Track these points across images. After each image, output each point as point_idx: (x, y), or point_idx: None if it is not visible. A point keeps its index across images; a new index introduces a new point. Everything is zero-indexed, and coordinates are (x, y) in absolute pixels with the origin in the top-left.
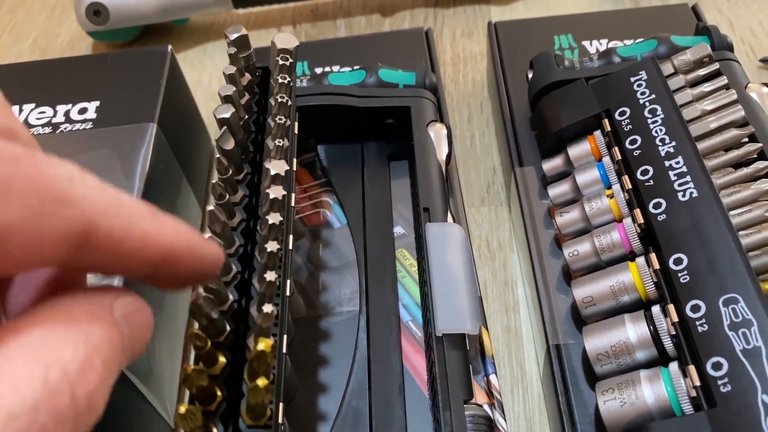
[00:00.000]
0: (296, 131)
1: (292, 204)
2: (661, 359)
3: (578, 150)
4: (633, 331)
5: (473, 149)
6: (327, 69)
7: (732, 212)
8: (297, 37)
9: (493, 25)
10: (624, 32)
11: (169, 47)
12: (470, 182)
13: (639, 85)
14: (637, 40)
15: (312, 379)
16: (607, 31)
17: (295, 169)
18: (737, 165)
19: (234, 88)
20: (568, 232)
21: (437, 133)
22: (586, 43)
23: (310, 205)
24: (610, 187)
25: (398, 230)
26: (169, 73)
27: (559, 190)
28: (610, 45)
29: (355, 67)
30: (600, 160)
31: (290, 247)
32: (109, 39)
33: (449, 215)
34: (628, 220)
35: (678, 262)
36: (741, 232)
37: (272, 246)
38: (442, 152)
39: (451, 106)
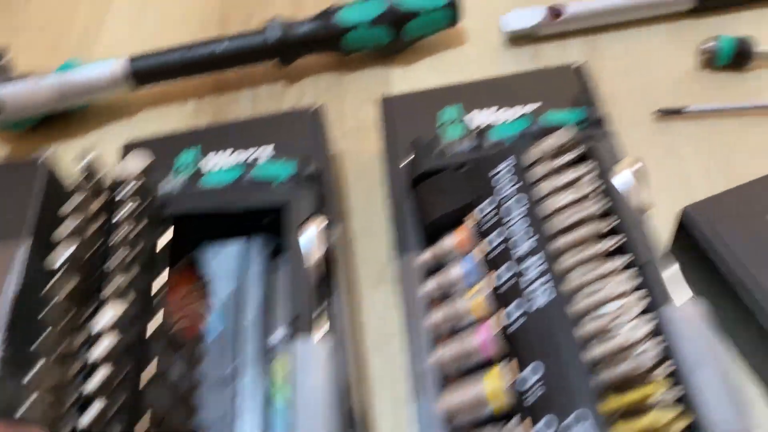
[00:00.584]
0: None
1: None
2: None
3: (449, 243)
4: None
5: (370, 225)
6: (213, 162)
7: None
8: (200, 114)
9: (383, 101)
10: (515, 98)
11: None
12: (367, 261)
13: (502, 176)
14: (513, 118)
15: None
16: (498, 98)
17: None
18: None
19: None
20: (435, 335)
21: (314, 231)
22: (474, 113)
23: (188, 313)
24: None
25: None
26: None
27: (429, 288)
28: (493, 119)
29: (228, 154)
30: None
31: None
32: (7, 129)
33: (323, 322)
34: (487, 325)
35: (528, 377)
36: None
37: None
38: (320, 249)
39: (351, 178)
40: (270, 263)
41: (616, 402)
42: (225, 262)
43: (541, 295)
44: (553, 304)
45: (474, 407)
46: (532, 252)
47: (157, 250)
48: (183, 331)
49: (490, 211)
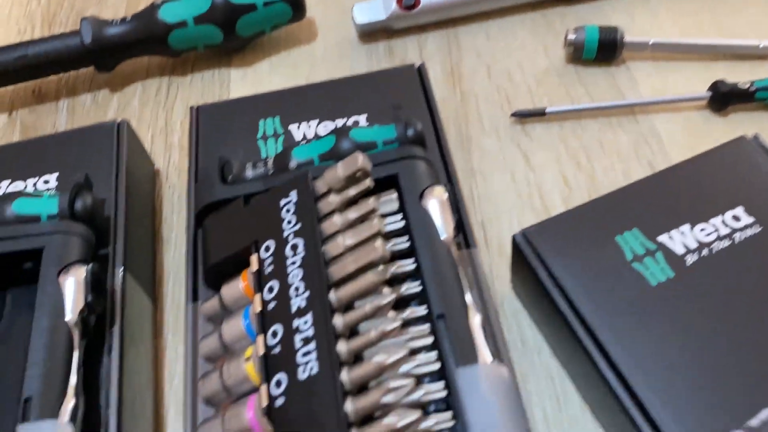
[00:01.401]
0: None
1: None
2: None
3: (231, 290)
4: None
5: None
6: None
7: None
8: (11, 127)
9: (194, 110)
10: (339, 108)
11: None
12: (179, 303)
13: (287, 211)
14: (324, 133)
15: None
16: (319, 108)
17: None
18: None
19: None
20: (214, 402)
21: (77, 278)
22: (293, 127)
23: None
24: None
25: None
26: None
27: (208, 345)
28: (310, 133)
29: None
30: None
31: None
32: None
33: (69, 399)
34: (256, 400)
35: None
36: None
37: None
38: (78, 305)
39: (171, 202)
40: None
41: None
42: None
43: (310, 363)
44: (319, 375)
45: None
46: (306, 308)
47: None
48: None
49: (271, 253)
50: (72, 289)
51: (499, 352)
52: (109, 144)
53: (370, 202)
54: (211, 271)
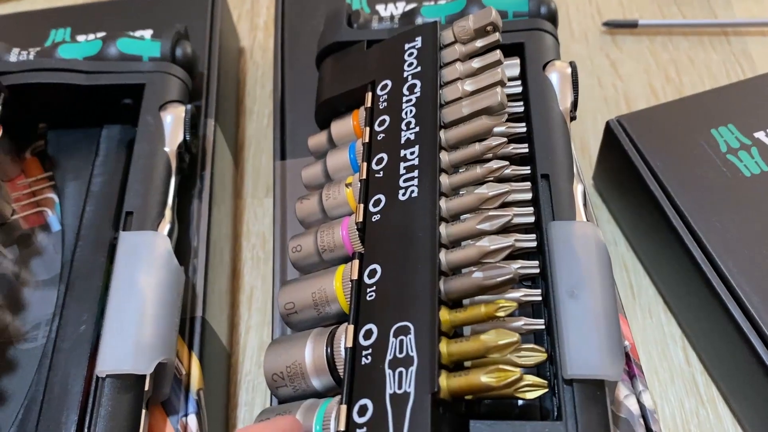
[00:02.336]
0: None
1: None
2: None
3: (341, 127)
4: (310, 352)
5: (269, 130)
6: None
7: (450, 220)
8: None
9: None
10: None
11: None
12: (259, 169)
13: (410, 54)
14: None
15: None
16: None
17: None
18: (482, 160)
19: None
20: (308, 224)
21: (176, 116)
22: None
23: (32, 203)
24: None
25: None
26: None
27: (310, 173)
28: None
29: (97, 36)
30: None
31: None
32: None
33: (167, 217)
34: (352, 218)
35: (372, 274)
36: (447, 253)
37: None
38: (175, 139)
39: (254, 78)
40: (124, 154)
41: (454, 316)
42: (75, 151)
43: (411, 187)
44: (419, 198)
45: (317, 303)
46: (414, 141)
47: None
48: (23, 220)
49: (387, 92)
50: (171, 124)
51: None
52: (204, 9)
53: (497, 53)
54: (323, 106)
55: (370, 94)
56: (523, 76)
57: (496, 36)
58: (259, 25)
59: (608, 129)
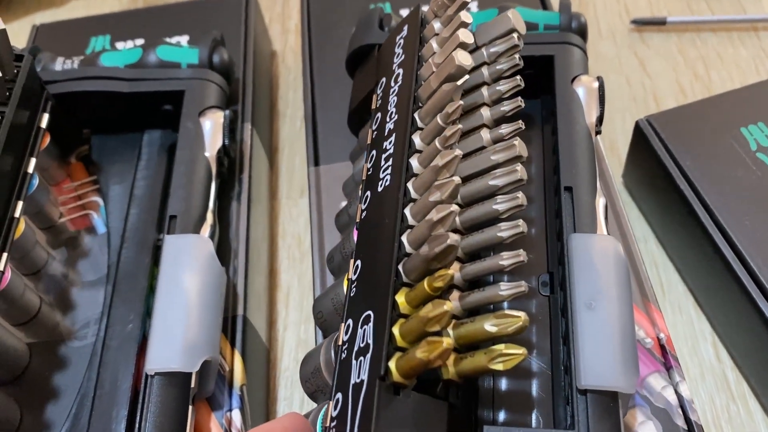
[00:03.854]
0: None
1: None
2: None
3: (363, 133)
4: (323, 355)
5: (302, 132)
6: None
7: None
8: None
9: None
10: None
11: None
12: (293, 170)
13: (399, 46)
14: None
15: (38, 412)
16: None
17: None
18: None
19: None
20: (343, 231)
21: (215, 122)
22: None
23: (78, 207)
24: None
25: None
26: None
27: (345, 181)
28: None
29: (136, 44)
30: None
31: None
32: None
33: (208, 220)
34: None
35: (356, 270)
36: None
37: None
38: (215, 144)
39: (286, 81)
40: (165, 158)
41: (409, 296)
42: (118, 155)
43: (386, 176)
44: (390, 186)
45: (336, 307)
46: (392, 130)
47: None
48: (70, 223)
49: (382, 88)
50: (210, 129)
51: (622, 228)
52: (238, 15)
53: (461, 16)
54: (354, 114)
55: (375, 96)
56: (551, 89)
57: (510, 41)
58: (290, 28)
59: (638, 128)
